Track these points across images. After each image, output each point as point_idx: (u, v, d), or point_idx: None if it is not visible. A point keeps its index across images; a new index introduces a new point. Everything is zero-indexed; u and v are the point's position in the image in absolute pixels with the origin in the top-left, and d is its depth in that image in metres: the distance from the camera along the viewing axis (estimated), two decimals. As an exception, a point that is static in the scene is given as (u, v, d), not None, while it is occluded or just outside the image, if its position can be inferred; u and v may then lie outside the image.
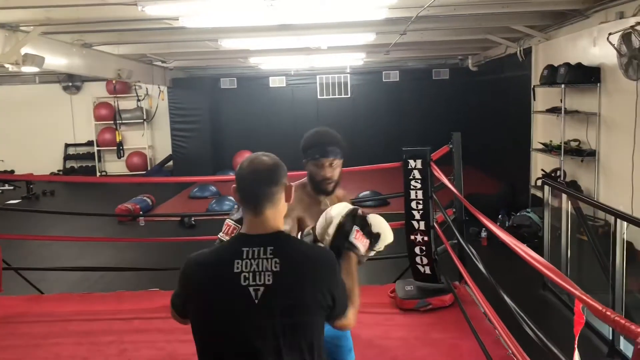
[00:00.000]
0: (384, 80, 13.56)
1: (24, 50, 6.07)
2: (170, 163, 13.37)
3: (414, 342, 3.95)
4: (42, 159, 13.41)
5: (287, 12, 5.32)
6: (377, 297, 4.68)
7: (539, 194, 7.59)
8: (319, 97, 13.64)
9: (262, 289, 1.56)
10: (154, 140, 14.04)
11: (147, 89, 13.32)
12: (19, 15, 5.57)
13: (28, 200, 10.66)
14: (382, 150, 11.95)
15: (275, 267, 1.57)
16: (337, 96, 13.63)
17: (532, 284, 5.06)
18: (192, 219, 7.95)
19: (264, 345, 1.57)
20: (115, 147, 13.35)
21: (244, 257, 1.59)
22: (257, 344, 1.57)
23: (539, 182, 6.27)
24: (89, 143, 13.84)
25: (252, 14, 5.42)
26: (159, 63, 10.86)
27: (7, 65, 6.08)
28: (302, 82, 13.60)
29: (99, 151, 13.81)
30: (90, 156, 13.86)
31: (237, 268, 1.58)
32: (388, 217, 6.97)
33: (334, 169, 2.39)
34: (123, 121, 13.55)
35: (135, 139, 13.82)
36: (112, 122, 13.45)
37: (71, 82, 13.51)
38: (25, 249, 6.43)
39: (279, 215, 1.69)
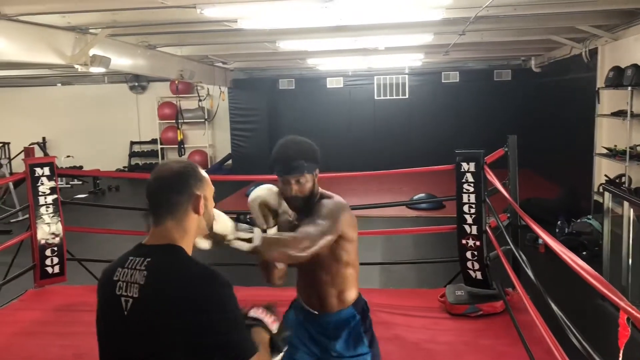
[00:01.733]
0: (443, 81, 13.36)
1: (92, 51, 6.36)
2: (230, 162, 13.68)
3: (461, 348, 3.89)
4: (108, 156, 14.00)
5: (344, 13, 5.35)
6: (427, 301, 4.64)
7: (601, 200, 7.30)
8: (376, 97, 13.59)
9: (130, 300, 1.46)
10: (214, 139, 14.39)
11: (208, 89, 13.66)
12: (87, 18, 5.84)
13: (94, 195, 11.17)
14: (439, 151, 11.75)
15: (142, 281, 1.46)
16: (394, 97, 13.54)
17: (590, 294, 4.86)
18: (248, 217, 8.09)
19: (134, 356, 1.47)
20: (177, 146, 13.79)
21: (125, 265, 1.50)
22: (126, 357, 1.49)
23: (602, 188, 6.03)
24: (153, 141, 14.33)
25: (309, 16, 5.48)
26: (220, 64, 11.13)
27: (76, 66, 6.38)
28: (359, 83, 13.59)
29: (162, 149, 14.27)
30: (153, 154, 14.35)
31: (116, 276, 1.50)
32: (442, 221, 6.94)
33: (302, 184, 2.14)
34: (185, 120, 13.96)
35: (196, 137, 14.21)
36: (175, 121, 13.88)
37: (137, 82, 14.03)
38: (89, 242, 6.74)
39: (183, 228, 1.53)
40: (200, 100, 13.74)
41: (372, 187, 10.07)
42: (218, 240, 1.74)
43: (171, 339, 1.41)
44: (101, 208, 8.81)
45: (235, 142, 13.43)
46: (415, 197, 8.74)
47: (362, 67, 12.35)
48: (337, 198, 2.23)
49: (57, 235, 5.10)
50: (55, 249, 5.10)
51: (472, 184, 4.51)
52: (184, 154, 13.85)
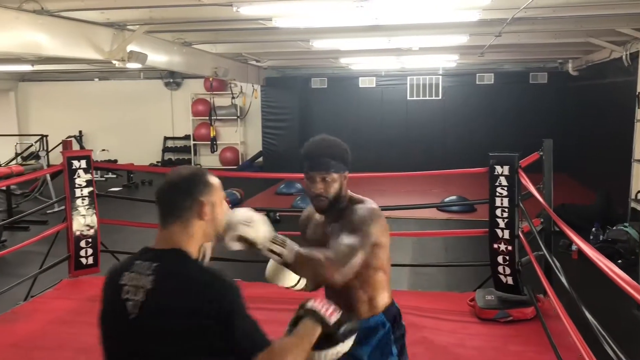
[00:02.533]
0: (477, 82, 13.19)
1: (130, 47, 6.47)
2: (260, 159, 13.76)
3: (490, 353, 3.84)
4: (142, 151, 14.23)
5: (379, 12, 5.33)
6: (456, 305, 4.59)
7: (639, 207, 7.11)
8: (408, 98, 13.49)
9: (137, 305, 1.48)
10: (246, 137, 14.50)
11: (241, 87, 13.77)
12: (125, 15, 5.94)
13: (128, 189, 11.38)
14: (472, 154, 11.62)
15: (150, 285, 1.48)
16: (427, 98, 13.43)
17: (625, 303, 4.75)
18: (277, 214, 8.14)
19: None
20: (210, 142, 13.94)
21: (132, 269, 1.52)
22: (137, 355, 1.50)
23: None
24: (186, 137, 14.51)
25: (344, 15, 5.48)
26: (254, 62, 11.21)
27: (114, 62, 6.50)
28: (392, 83, 13.51)
29: (194, 145, 14.45)
30: (186, 149, 14.53)
31: (123, 280, 1.52)
32: (473, 224, 6.84)
33: (328, 184, 2.06)
34: (218, 117, 14.11)
35: (228, 134, 14.34)
36: (208, 117, 14.04)
37: (172, 78, 14.23)
38: (121, 234, 6.86)
39: (188, 232, 1.55)
40: (233, 97, 13.87)
41: (402, 189, 10.01)
42: (250, 245, 1.72)
43: (178, 342, 1.44)
44: (134, 201, 8.95)
45: (267, 139, 13.51)
46: (446, 200, 8.66)
47: (395, 67, 12.28)
48: (369, 203, 2.12)
49: (91, 227, 5.21)
50: (90, 240, 5.21)
51: (505, 188, 4.44)
52: (216, 151, 14.00)
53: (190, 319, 1.43)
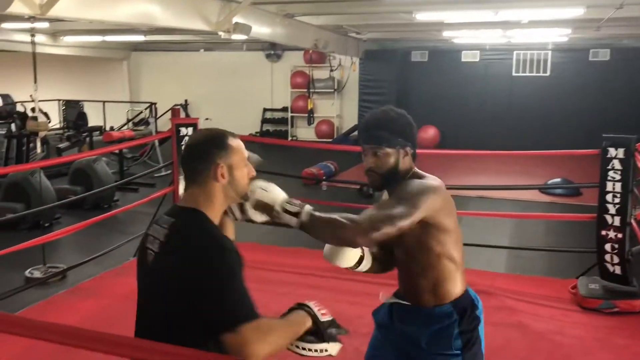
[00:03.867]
0: (590, 59, 12.34)
1: (235, 19, 6.63)
2: (355, 133, 13.76)
3: (592, 344, 3.66)
4: (242, 121, 14.64)
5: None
6: (556, 291, 4.42)
7: None
8: (513, 74, 12.88)
9: (152, 254, 1.57)
10: (342, 110, 14.52)
11: (340, 59, 13.75)
12: (233, -13, 6.10)
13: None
14: (580, 134, 11.00)
15: (163, 238, 1.55)
16: (534, 74, 12.75)
17: None
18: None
19: (148, 312, 1.60)
20: (307, 114, 14.10)
21: (158, 222, 1.61)
22: (146, 307, 1.61)
23: None
24: (284, 109, 14.77)
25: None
26: (354, 34, 11.13)
27: (220, 33, 6.70)
28: (496, 58, 12.94)
29: (292, 117, 14.68)
30: (284, 121, 14.80)
31: (149, 230, 1.62)
32: (578, 209, 6.53)
33: (380, 158, 1.93)
34: (316, 90, 14.22)
35: (325, 107, 14.43)
36: (306, 90, 14.18)
37: (273, 50, 14.46)
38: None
39: (206, 194, 1.59)
40: (331, 70, 13.89)
41: (503, 168, 9.65)
42: (268, 210, 1.73)
43: (175, 293, 1.49)
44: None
45: (363, 113, 13.44)
46: (550, 182, 8.24)
47: (500, 42, 11.74)
48: (429, 179, 1.95)
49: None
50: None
51: (619, 172, 4.15)
52: (313, 123, 14.14)
53: (188, 272, 1.47)
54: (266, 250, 5.34)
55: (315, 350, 1.59)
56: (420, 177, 1.96)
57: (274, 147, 11.59)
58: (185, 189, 1.63)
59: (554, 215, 6.57)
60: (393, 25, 9.64)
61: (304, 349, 1.58)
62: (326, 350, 1.60)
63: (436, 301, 1.95)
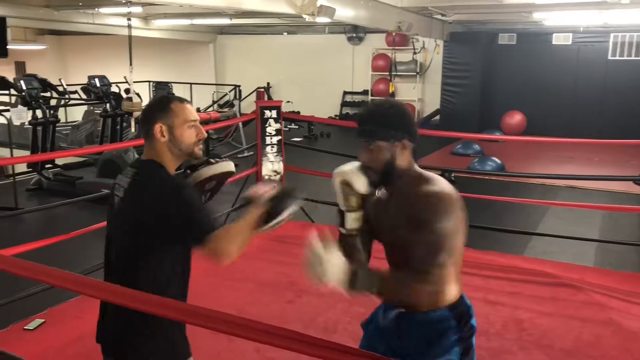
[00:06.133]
0: (697, 41, 11.42)
1: (320, 2, 6.65)
2: (437, 117, 13.49)
3: (691, 347, 3.43)
4: (322, 103, 14.75)
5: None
6: (651, 288, 4.16)
7: None
8: (609, 57, 12.13)
9: (118, 200, 1.89)
10: (423, 94, 14.27)
11: (423, 42, 13.49)
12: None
13: (308, 140, 11.92)
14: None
15: (126, 185, 1.87)
16: (632, 58, 11.95)
17: None
18: (452, 175, 7.96)
19: (112, 253, 1.91)
20: (388, 98, 13.97)
21: (123, 173, 1.92)
22: (111, 248, 1.92)
23: None
24: (364, 92, 14.70)
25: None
26: (439, 16, 10.86)
27: (304, 16, 6.75)
28: (590, 41, 12.23)
29: (372, 100, 14.60)
30: (364, 105, 14.75)
31: (116, 180, 1.93)
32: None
33: (372, 152, 1.81)
34: (397, 73, 14.04)
35: (406, 91, 14.22)
36: (387, 73, 14.03)
37: (355, 33, 14.39)
38: (300, 181, 7.23)
39: (154, 149, 1.88)
40: (415, 53, 13.66)
41: (595, 157, 9.18)
42: (352, 193, 1.87)
43: (139, 224, 1.80)
44: (314, 151, 9.35)
45: (445, 97, 13.17)
46: (645, 173, 7.76)
47: (595, 23, 11.06)
48: (438, 185, 1.79)
49: (278, 173, 5.58)
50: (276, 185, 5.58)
51: None
52: (393, 107, 13.98)
53: (149, 205, 1.79)
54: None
55: (277, 224, 1.88)
56: (427, 180, 1.82)
57: (352, 130, 11.59)
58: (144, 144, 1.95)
59: (650, 208, 6.19)
60: (480, 7, 9.31)
61: (268, 228, 1.88)
62: (287, 216, 1.89)
63: (430, 306, 1.81)
